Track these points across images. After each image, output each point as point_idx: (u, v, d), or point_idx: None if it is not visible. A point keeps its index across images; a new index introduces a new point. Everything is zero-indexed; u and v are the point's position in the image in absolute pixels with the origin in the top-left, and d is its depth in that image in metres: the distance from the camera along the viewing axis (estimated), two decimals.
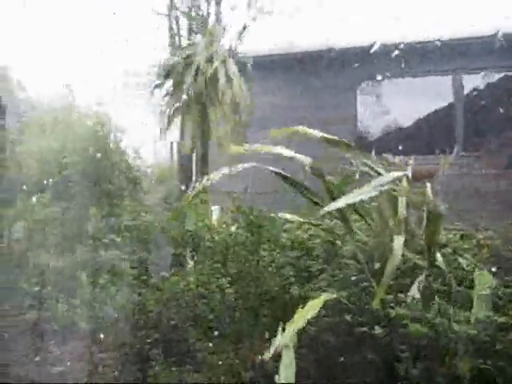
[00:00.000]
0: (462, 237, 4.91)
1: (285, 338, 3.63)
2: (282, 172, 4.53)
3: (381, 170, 4.68)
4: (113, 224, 6.81)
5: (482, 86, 10.15)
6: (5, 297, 6.63)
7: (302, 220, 5.19)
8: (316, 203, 4.59)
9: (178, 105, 7.90)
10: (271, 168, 4.50)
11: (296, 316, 3.78)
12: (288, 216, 5.16)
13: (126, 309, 5.57)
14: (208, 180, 4.37)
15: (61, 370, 5.61)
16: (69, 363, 5.80)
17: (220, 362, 4.90)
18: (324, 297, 4.00)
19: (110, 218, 7.06)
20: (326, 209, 4.14)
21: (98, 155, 8.35)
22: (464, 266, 4.37)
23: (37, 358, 5.78)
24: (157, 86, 8.17)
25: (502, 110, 9.13)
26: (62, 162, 8.09)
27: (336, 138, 4.49)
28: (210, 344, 5.01)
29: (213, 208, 6.06)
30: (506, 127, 9.18)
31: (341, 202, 4.13)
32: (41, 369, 5.62)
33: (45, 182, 8.11)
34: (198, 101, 7.23)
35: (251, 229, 5.02)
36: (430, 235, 4.34)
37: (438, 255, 4.32)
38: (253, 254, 4.87)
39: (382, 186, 4.31)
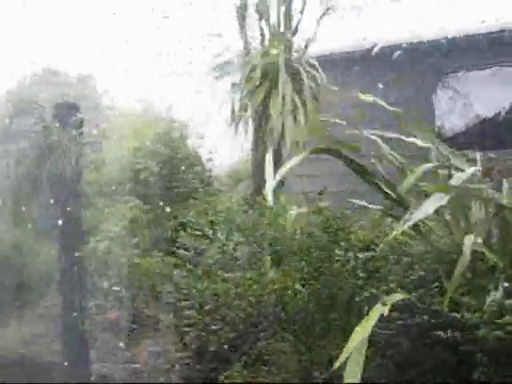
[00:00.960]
0: None
1: (354, 342, 3.55)
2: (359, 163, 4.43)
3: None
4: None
5: None
6: None
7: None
8: (395, 201, 4.46)
9: (251, 105, 7.92)
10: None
11: (364, 320, 3.70)
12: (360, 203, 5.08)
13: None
14: (283, 169, 4.27)
15: None
16: None
17: (293, 363, 4.91)
18: (393, 298, 3.90)
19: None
20: (414, 217, 3.90)
21: (174, 160, 8.57)
22: None
23: None
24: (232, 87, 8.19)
25: None
26: (138, 167, 8.34)
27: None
28: (284, 344, 5.03)
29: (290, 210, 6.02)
30: None
31: (429, 208, 3.90)
32: None
33: (125, 185, 8.40)
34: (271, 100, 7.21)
35: (327, 230, 4.97)
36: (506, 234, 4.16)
37: None
38: (327, 256, 4.82)
39: (461, 184, 4.13)
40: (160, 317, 6.81)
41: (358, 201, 5.14)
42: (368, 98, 4.95)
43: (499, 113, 10.03)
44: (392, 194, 4.43)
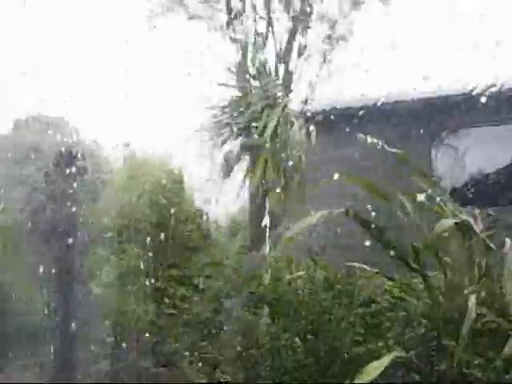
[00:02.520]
0: None
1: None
2: (372, 222, 4.48)
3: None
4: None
5: None
6: None
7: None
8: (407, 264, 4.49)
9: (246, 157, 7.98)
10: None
11: (360, 375, 3.66)
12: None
13: None
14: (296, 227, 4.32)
15: None
16: None
17: None
18: (391, 355, 3.86)
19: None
20: None
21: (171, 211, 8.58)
22: None
23: None
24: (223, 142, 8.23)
25: None
26: (136, 217, 8.36)
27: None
28: None
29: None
30: None
31: None
32: None
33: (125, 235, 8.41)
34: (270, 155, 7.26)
35: (327, 286, 4.96)
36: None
37: None
38: (326, 311, 4.79)
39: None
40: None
41: (357, 264, 5.15)
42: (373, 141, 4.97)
43: (496, 171, 10.15)
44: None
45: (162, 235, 8.37)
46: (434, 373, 3.93)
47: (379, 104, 9.79)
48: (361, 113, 9.29)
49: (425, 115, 9.67)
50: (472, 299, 3.98)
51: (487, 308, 4.24)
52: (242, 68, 8.26)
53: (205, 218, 8.92)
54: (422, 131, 9.86)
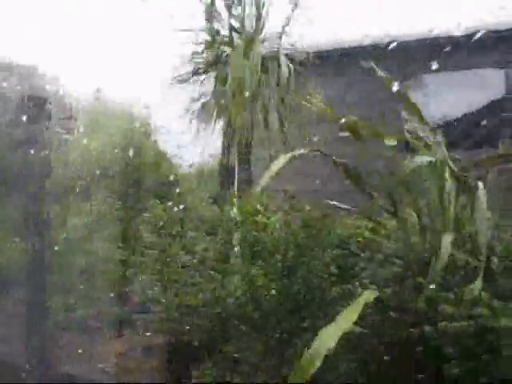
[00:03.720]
0: None
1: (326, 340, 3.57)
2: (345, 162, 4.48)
3: None
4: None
5: None
6: None
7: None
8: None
9: (219, 102, 7.81)
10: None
11: (338, 317, 3.71)
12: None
13: None
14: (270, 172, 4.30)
15: None
16: None
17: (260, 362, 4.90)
18: (367, 295, 3.91)
19: None
20: None
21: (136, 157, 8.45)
22: None
23: None
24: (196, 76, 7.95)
25: None
26: (102, 163, 8.21)
27: None
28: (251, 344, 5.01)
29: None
30: None
31: None
32: None
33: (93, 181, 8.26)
34: (240, 97, 7.09)
35: (305, 230, 4.97)
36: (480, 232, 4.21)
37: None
38: (301, 253, 4.82)
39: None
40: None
41: (335, 202, 5.16)
42: None
43: (466, 114, 10.24)
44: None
45: (131, 182, 8.29)
46: (409, 311, 3.99)
47: (353, 47, 9.72)
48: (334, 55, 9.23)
49: (397, 59, 9.62)
50: (446, 238, 4.04)
51: (458, 248, 4.31)
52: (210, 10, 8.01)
53: (175, 164, 8.82)
54: (393, 75, 9.83)
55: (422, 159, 4.47)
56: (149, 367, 6.19)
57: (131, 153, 8.42)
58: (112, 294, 7.02)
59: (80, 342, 6.61)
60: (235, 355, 5.09)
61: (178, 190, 8.36)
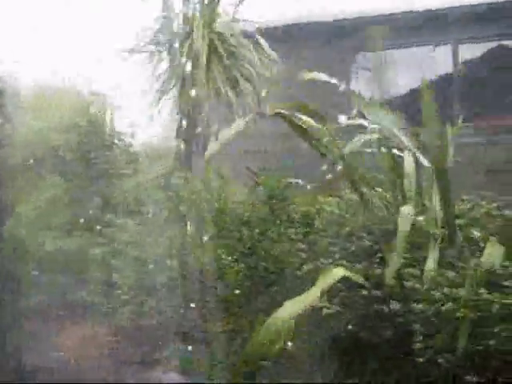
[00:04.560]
0: (472, 207, 4.86)
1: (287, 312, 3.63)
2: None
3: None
4: None
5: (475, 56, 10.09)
6: None
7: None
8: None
9: (174, 79, 7.68)
10: None
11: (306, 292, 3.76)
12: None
13: None
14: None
15: None
16: None
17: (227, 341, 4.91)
18: (335, 271, 3.97)
19: None
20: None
21: (91, 135, 8.25)
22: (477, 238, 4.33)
23: None
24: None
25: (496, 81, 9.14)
26: (57, 143, 7.99)
27: None
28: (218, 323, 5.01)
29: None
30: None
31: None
32: None
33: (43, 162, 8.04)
34: (197, 72, 7.00)
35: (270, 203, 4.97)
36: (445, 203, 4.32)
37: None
38: (267, 230, 4.83)
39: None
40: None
41: (296, 180, 5.19)
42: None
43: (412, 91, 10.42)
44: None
45: (83, 162, 8.09)
46: (379, 287, 4.06)
47: (299, 23, 9.74)
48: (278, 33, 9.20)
49: (343, 37, 9.69)
50: (405, 209, 4.13)
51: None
52: None
53: (129, 141, 8.64)
54: (340, 53, 9.92)
55: (367, 137, 4.57)
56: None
57: (82, 132, 8.24)
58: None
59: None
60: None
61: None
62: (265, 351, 3.59)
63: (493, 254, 3.84)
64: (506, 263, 3.86)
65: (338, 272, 3.92)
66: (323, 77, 4.83)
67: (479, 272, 3.70)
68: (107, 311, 5.96)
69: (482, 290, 3.68)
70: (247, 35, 7.97)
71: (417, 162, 4.60)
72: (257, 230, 4.84)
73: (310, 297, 3.70)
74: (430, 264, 3.99)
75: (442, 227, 4.24)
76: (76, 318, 6.41)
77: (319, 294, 3.71)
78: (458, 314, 3.61)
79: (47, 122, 7.99)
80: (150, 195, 6.76)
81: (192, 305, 5.27)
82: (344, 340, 4.14)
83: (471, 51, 10.00)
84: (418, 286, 3.96)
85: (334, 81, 4.88)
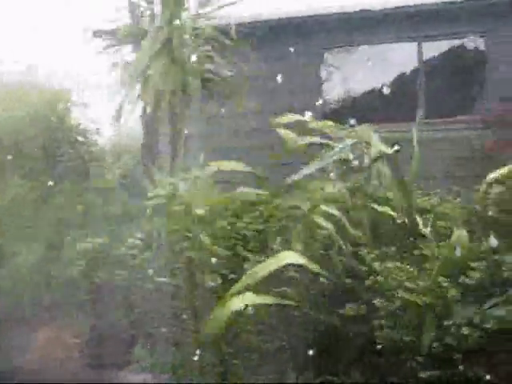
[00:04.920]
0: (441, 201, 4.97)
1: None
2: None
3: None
4: None
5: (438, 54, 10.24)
6: None
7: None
8: None
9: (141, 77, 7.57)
10: None
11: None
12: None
13: None
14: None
15: None
16: None
17: None
18: (285, 253, 4.02)
19: None
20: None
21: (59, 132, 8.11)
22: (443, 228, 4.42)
23: None
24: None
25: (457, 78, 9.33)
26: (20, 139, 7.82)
27: None
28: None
29: None
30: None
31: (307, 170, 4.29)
32: None
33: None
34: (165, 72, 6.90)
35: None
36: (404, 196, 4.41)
37: (418, 218, 4.38)
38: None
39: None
40: None
41: None
42: None
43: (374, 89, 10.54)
44: None
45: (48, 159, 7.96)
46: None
47: (266, 21, 9.73)
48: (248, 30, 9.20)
49: (312, 34, 9.74)
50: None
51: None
52: None
53: (94, 138, 8.53)
54: (311, 49, 9.97)
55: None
56: None
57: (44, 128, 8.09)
58: None
59: None
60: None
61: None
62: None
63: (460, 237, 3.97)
64: None
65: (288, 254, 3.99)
66: None
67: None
68: None
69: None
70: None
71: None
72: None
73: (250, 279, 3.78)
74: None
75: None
76: None
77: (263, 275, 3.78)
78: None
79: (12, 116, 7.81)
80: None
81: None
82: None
83: (435, 49, 10.16)
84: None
85: None
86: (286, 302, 4.02)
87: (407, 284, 3.86)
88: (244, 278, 3.90)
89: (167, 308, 5.26)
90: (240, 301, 3.74)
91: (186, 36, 6.97)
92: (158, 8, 7.38)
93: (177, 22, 6.96)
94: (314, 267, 4.03)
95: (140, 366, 5.57)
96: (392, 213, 4.44)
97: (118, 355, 5.70)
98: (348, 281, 4.18)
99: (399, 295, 3.82)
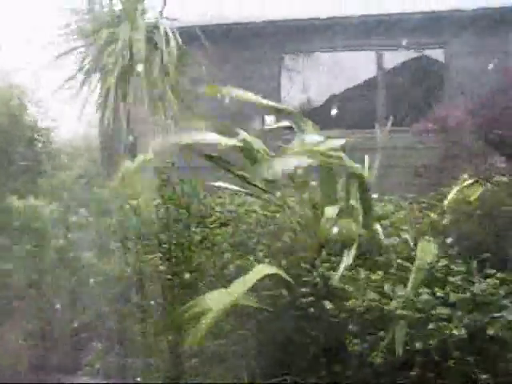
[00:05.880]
0: (395, 209, 4.98)
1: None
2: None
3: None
4: None
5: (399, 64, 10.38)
6: None
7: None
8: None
9: (97, 76, 7.46)
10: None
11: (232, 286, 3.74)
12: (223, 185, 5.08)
13: None
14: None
15: None
16: None
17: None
18: (260, 268, 3.95)
19: None
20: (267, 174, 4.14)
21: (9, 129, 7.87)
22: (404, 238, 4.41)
23: None
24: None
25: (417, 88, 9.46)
26: None
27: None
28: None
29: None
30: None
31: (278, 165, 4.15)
32: None
33: None
34: (122, 73, 6.82)
35: (183, 204, 4.86)
36: (363, 203, 4.39)
37: (378, 227, 4.37)
38: (185, 231, 4.72)
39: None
40: None
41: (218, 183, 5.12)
42: None
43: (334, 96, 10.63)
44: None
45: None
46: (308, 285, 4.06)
47: (228, 24, 9.70)
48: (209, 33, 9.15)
49: (273, 38, 9.75)
50: (328, 210, 4.18)
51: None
52: None
53: (49, 137, 8.31)
54: (270, 55, 9.98)
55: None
56: None
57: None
58: None
59: None
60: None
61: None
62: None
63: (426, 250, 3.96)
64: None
65: (264, 269, 3.93)
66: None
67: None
68: None
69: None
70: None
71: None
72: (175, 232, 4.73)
73: (231, 294, 3.71)
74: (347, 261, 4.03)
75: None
76: None
77: (241, 291, 3.71)
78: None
79: None
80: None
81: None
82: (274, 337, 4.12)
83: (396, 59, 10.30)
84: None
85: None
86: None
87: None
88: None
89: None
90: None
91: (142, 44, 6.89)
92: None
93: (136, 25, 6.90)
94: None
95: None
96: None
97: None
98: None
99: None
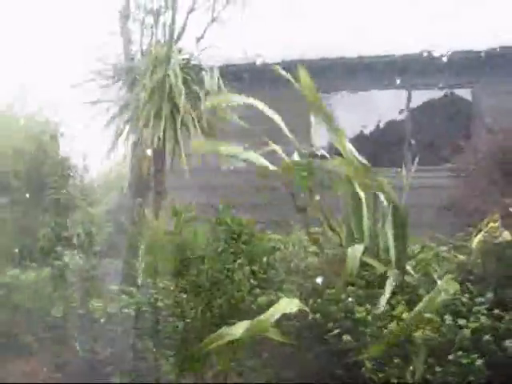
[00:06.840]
0: (422, 248, 4.94)
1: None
2: None
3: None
4: None
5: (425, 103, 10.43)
6: None
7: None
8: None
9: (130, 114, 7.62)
10: None
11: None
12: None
13: None
14: None
15: None
16: None
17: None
18: (285, 302, 3.98)
19: None
20: None
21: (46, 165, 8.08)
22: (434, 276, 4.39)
23: None
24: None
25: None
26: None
27: None
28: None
29: None
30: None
31: None
32: None
33: None
34: (156, 110, 6.98)
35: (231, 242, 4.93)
36: (399, 241, 4.37)
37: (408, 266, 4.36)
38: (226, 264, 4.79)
39: None
40: None
41: None
42: None
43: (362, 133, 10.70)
44: None
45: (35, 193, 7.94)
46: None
47: (259, 63, 9.88)
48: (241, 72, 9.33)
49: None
50: (354, 249, 4.18)
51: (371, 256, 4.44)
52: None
53: (82, 174, 8.51)
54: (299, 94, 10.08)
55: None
56: None
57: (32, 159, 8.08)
58: None
59: None
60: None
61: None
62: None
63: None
64: None
65: (289, 304, 3.95)
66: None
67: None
68: None
69: None
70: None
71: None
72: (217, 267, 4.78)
73: (257, 325, 3.73)
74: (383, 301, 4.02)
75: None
76: None
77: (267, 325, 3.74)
78: None
79: None
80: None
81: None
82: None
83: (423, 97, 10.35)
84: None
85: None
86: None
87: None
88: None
89: None
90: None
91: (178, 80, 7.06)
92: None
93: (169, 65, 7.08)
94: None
95: None
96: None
97: None
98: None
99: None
